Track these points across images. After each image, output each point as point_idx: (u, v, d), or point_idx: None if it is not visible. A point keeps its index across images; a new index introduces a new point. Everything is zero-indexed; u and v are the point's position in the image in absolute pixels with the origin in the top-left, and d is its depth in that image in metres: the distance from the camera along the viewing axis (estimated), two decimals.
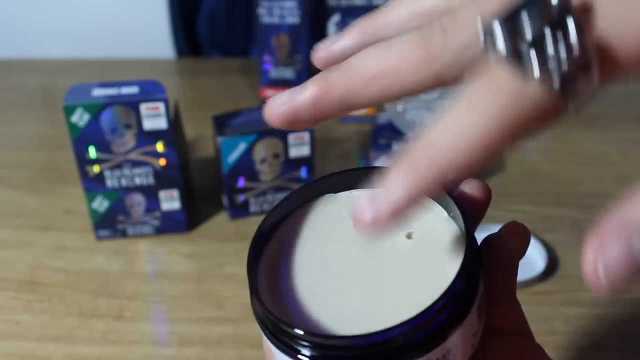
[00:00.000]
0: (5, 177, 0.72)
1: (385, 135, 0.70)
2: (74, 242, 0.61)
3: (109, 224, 0.60)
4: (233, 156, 0.60)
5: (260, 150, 0.60)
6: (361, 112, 0.80)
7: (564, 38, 0.16)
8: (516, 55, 0.17)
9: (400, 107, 0.65)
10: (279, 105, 0.23)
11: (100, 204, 0.59)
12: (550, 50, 0.17)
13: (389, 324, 0.20)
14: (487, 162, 0.18)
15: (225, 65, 0.98)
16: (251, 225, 0.63)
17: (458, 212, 0.24)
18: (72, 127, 0.55)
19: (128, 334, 0.51)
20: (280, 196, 0.64)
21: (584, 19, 0.17)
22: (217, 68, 0.97)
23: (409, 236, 0.25)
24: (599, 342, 0.50)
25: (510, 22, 0.17)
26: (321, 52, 0.25)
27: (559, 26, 0.16)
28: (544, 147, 0.74)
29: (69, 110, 0.54)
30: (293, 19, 0.79)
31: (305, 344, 0.21)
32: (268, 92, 0.83)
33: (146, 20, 1.01)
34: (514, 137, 0.18)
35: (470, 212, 0.25)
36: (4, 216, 0.65)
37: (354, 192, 0.27)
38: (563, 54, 0.16)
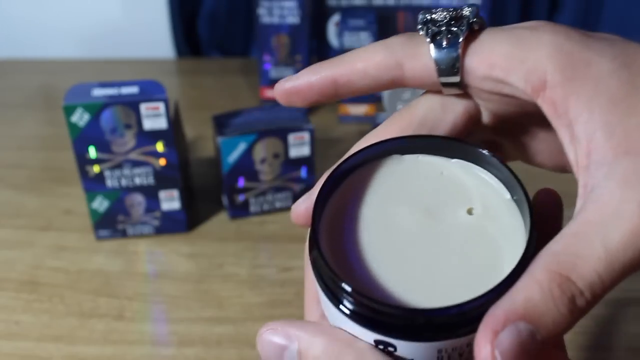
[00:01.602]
0: (5, 177, 0.72)
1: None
2: (74, 242, 0.61)
3: (109, 224, 0.60)
4: (233, 156, 0.60)
5: (260, 150, 0.60)
6: (361, 112, 0.80)
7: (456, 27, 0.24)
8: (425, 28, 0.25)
9: (400, 106, 0.65)
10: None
11: (100, 204, 0.59)
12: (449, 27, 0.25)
13: (436, 301, 0.21)
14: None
15: (225, 65, 0.98)
16: (251, 225, 0.63)
17: (523, 197, 0.24)
18: (72, 127, 0.55)
19: (128, 334, 0.51)
20: (280, 196, 0.64)
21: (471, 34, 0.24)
22: (217, 68, 0.97)
23: (469, 211, 0.25)
24: (599, 342, 0.50)
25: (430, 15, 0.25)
26: (285, 84, 0.27)
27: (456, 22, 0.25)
28: None
29: (69, 110, 0.54)
30: (293, 19, 0.79)
31: (349, 299, 0.22)
32: (268, 92, 0.84)
33: (146, 20, 1.01)
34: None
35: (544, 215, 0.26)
36: (4, 216, 0.65)
37: (420, 157, 0.27)
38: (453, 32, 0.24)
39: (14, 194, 0.69)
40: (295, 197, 0.64)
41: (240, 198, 0.63)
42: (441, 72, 0.24)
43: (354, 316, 0.22)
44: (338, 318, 0.23)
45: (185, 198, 0.61)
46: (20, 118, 0.85)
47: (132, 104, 0.55)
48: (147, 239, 0.61)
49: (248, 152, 0.60)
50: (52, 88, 0.94)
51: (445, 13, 0.25)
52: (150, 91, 0.55)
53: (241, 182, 0.62)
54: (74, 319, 0.52)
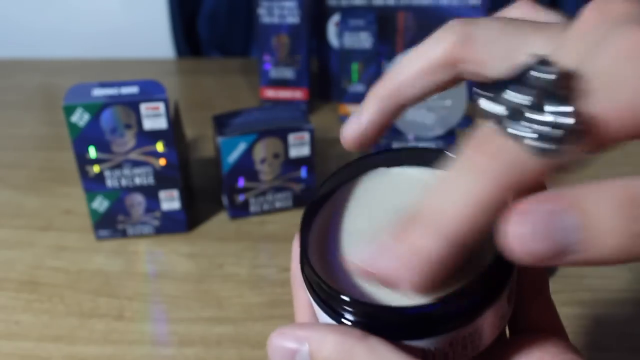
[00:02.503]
0: (5, 177, 0.72)
1: (385, 135, 0.70)
2: (74, 242, 0.61)
3: (109, 224, 0.60)
4: (233, 156, 0.60)
5: (260, 150, 0.60)
6: None
7: (559, 106, 0.18)
8: (512, 120, 0.18)
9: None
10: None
11: (100, 204, 0.59)
12: (545, 117, 0.18)
13: (425, 299, 0.22)
14: (494, 221, 0.19)
15: (225, 65, 0.98)
16: (251, 225, 0.63)
17: None
18: (72, 127, 0.55)
19: (128, 334, 0.51)
20: (280, 196, 0.64)
21: (577, 92, 0.18)
22: (217, 68, 0.97)
23: None
24: (599, 342, 0.50)
25: (511, 87, 0.18)
26: (349, 134, 0.27)
27: (554, 96, 0.18)
28: None
29: (69, 110, 0.54)
30: (293, 19, 0.79)
31: (349, 309, 0.23)
32: (268, 92, 0.84)
33: (146, 20, 1.01)
34: (512, 195, 0.19)
35: None
36: (4, 216, 0.65)
37: (406, 169, 0.28)
38: (557, 121, 0.18)
39: (14, 194, 0.69)
40: (295, 197, 0.64)
41: (240, 198, 0.63)
42: None
43: (356, 325, 0.23)
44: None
45: (185, 198, 0.61)
46: (20, 118, 0.85)
47: (132, 104, 0.55)
48: (147, 239, 0.61)
49: (248, 152, 0.60)
50: (52, 88, 0.94)
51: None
52: (150, 91, 0.55)
53: (241, 182, 0.62)
54: (74, 319, 0.52)
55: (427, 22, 0.80)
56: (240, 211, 0.63)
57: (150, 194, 0.59)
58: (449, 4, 0.79)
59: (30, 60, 1.01)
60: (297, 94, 0.83)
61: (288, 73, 0.82)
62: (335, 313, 0.23)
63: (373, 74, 0.78)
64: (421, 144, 0.27)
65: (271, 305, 0.53)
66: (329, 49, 0.84)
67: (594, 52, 0.18)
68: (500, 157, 0.19)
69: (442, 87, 0.25)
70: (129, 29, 1.02)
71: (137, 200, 0.60)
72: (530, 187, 0.19)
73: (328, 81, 0.86)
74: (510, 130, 0.18)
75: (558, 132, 0.18)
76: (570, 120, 0.18)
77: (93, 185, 0.58)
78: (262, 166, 0.61)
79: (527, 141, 0.18)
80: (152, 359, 0.49)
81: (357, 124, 0.26)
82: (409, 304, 0.22)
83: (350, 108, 0.80)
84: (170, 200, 0.60)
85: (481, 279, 0.22)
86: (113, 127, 0.55)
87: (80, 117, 0.54)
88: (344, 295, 0.23)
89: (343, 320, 0.23)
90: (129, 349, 0.49)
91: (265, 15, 0.79)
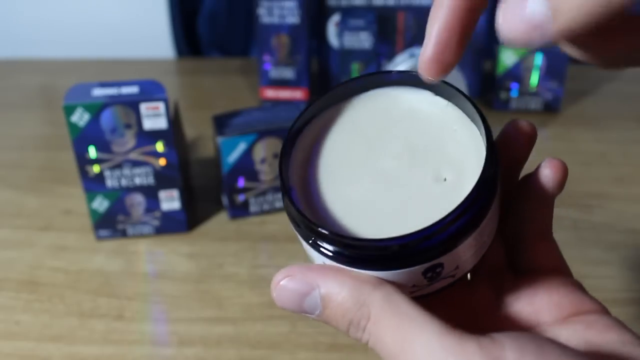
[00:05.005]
0: (5, 177, 0.72)
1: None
2: (74, 242, 0.61)
3: (109, 224, 0.60)
4: (233, 156, 0.60)
5: (260, 150, 0.60)
6: None
7: None
8: None
9: None
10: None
11: (100, 204, 0.59)
12: None
13: (406, 229, 0.22)
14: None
15: (225, 65, 0.98)
16: (251, 225, 0.63)
17: (478, 117, 0.25)
18: (72, 127, 0.55)
19: (128, 334, 0.51)
20: (280, 196, 0.64)
21: None
22: (217, 68, 0.97)
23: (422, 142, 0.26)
24: None
25: None
26: (424, 59, 0.25)
27: None
28: (543, 147, 0.74)
29: (69, 110, 0.54)
30: (293, 19, 0.79)
31: (328, 241, 0.23)
32: (268, 92, 0.84)
33: (146, 20, 1.01)
34: None
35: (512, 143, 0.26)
36: (4, 216, 0.65)
37: (399, 90, 0.27)
38: None
39: (14, 194, 0.69)
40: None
41: (240, 198, 0.63)
42: None
43: (340, 259, 0.23)
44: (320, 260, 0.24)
45: (185, 198, 0.61)
46: (20, 118, 0.86)
47: (132, 104, 0.55)
48: (147, 239, 0.61)
49: (248, 152, 0.60)
50: (52, 88, 0.94)
51: None
52: (150, 91, 0.55)
53: (241, 182, 0.62)
54: (74, 319, 0.52)
55: (427, 22, 0.80)
56: (240, 211, 0.63)
57: (150, 194, 0.60)
58: None
59: (30, 60, 1.01)
60: (297, 94, 0.83)
61: (288, 73, 0.82)
62: (316, 244, 0.23)
63: None
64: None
65: (271, 305, 0.53)
66: (329, 49, 0.84)
67: None
68: None
69: None
70: (129, 29, 1.02)
71: (137, 200, 0.60)
72: None
73: (328, 81, 0.86)
74: None
75: None
76: None
77: (93, 185, 0.58)
78: (262, 166, 0.61)
79: None
80: (152, 359, 0.49)
81: (429, 45, 0.24)
82: (386, 234, 0.22)
83: None
84: (170, 200, 0.60)
85: (462, 206, 0.22)
86: (113, 127, 0.55)
87: (80, 117, 0.54)
88: (322, 228, 0.23)
89: (322, 250, 0.23)
90: (129, 349, 0.50)
91: (265, 15, 0.79)
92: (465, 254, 0.24)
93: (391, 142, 0.26)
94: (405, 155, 0.25)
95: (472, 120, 0.26)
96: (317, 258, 0.24)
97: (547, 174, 0.26)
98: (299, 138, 0.27)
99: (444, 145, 0.25)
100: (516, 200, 0.27)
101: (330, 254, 0.23)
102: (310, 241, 0.24)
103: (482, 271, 0.28)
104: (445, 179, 0.25)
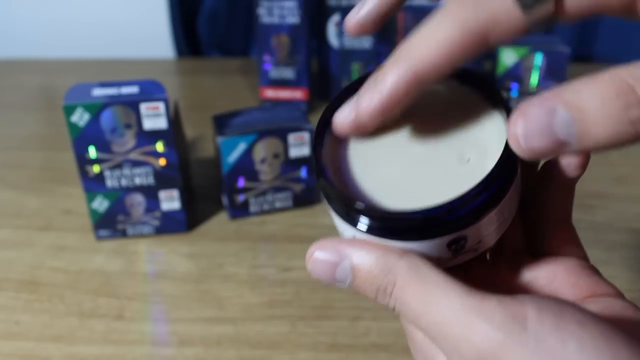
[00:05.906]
0: (5, 177, 0.72)
1: None
2: (74, 242, 0.61)
3: (109, 224, 0.60)
4: (233, 156, 0.60)
5: (260, 150, 0.60)
6: None
7: None
8: None
9: None
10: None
11: (100, 204, 0.59)
12: None
13: (432, 204, 0.23)
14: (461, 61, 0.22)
15: (225, 65, 0.98)
16: (251, 225, 0.63)
17: (499, 100, 0.26)
18: (72, 127, 0.55)
19: (128, 334, 0.51)
20: (280, 196, 0.64)
21: None
22: (217, 68, 0.97)
23: (450, 122, 0.27)
24: None
25: None
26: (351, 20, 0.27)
27: None
28: None
29: (69, 110, 0.54)
30: (293, 19, 0.79)
31: (361, 213, 0.24)
32: (268, 92, 0.83)
33: (146, 20, 1.01)
34: (479, 44, 0.22)
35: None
36: (4, 216, 0.65)
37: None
38: None
39: (14, 194, 0.69)
40: (295, 197, 0.64)
41: (240, 198, 0.63)
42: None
43: (372, 230, 0.24)
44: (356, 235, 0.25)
45: (185, 198, 0.61)
46: (20, 118, 0.86)
47: (132, 104, 0.55)
48: (147, 239, 0.61)
49: (248, 152, 0.60)
50: (52, 88, 0.94)
51: None
52: (150, 91, 0.55)
53: (241, 182, 0.62)
54: (74, 319, 0.52)
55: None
56: (240, 211, 0.63)
57: (150, 194, 0.60)
58: None
59: (30, 60, 1.01)
60: (297, 94, 0.83)
61: (288, 73, 0.82)
62: (351, 220, 0.25)
63: None
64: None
65: (271, 305, 0.53)
66: (329, 49, 0.84)
67: None
68: (477, 6, 0.21)
69: None
70: (129, 29, 1.02)
71: (137, 200, 0.60)
72: (502, 39, 0.21)
73: (328, 81, 0.86)
74: None
75: None
76: None
77: (93, 185, 0.58)
78: (262, 166, 0.61)
79: None
80: (152, 359, 0.49)
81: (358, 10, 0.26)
82: (414, 207, 0.24)
83: None
84: (170, 200, 0.60)
85: (484, 182, 0.23)
86: (113, 127, 0.55)
87: (80, 117, 0.54)
88: (355, 202, 0.24)
89: (356, 224, 0.25)
90: (129, 349, 0.49)
91: (265, 15, 0.79)
92: (488, 229, 0.25)
93: (418, 125, 0.27)
94: (431, 137, 0.27)
95: (494, 104, 0.27)
96: (348, 231, 0.26)
97: (568, 164, 0.26)
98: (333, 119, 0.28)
99: (468, 128, 0.27)
100: (537, 186, 0.28)
101: (362, 226, 0.25)
102: (343, 214, 0.25)
103: (501, 253, 0.29)
104: (468, 160, 0.26)
